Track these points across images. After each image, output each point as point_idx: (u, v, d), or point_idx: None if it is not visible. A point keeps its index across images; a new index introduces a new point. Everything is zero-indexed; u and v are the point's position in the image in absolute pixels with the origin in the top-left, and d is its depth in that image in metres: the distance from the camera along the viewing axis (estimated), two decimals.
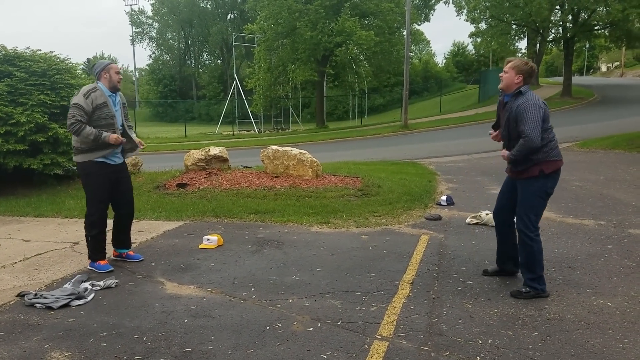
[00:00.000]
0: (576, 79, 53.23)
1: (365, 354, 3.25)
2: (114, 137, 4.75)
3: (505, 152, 4.29)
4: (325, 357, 3.23)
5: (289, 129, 36.88)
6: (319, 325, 3.69)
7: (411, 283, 4.48)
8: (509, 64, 4.26)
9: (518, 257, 4.44)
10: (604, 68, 76.50)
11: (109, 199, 5.01)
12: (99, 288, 4.43)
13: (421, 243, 5.67)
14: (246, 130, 36.53)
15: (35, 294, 4.20)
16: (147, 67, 74.23)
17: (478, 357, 3.20)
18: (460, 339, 3.44)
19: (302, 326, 3.68)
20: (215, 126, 39.98)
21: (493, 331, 3.55)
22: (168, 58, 73.18)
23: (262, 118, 38.86)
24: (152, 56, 73.28)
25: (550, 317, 3.77)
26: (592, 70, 79.12)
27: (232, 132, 33.91)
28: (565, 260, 5.02)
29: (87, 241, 4.98)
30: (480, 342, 3.40)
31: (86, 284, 4.45)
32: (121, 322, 3.79)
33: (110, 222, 5.14)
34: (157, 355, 3.29)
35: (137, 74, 77.90)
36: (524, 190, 4.24)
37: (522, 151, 4.07)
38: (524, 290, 4.18)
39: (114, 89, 4.90)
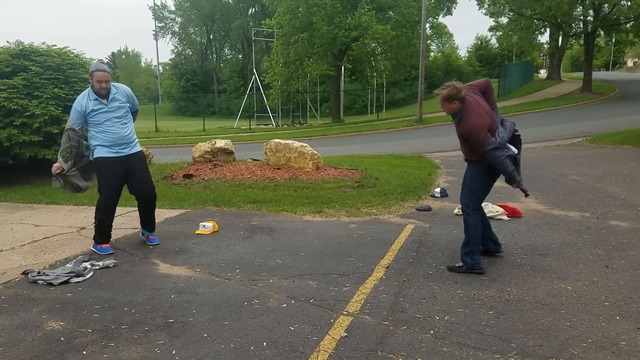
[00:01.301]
0: (601, 74, 52.55)
1: (330, 327, 3.56)
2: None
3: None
4: (293, 329, 3.55)
5: (306, 123, 37.22)
6: (293, 302, 4.01)
7: (387, 267, 4.77)
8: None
9: (494, 237, 4.97)
10: (630, 63, 75.36)
11: (118, 189, 5.40)
12: (98, 267, 4.81)
13: (405, 231, 5.95)
14: (264, 125, 36.98)
15: (39, 272, 4.60)
16: (169, 62, 75.22)
17: (432, 331, 3.49)
18: (420, 316, 3.73)
19: (277, 303, 4.00)
20: (235, 120, 40.53)
21: (452, 309, 3.83)
22: (190, 53, 74.03)
23: (280, 112, 39.28)
24: (175, 51, 74.27)
25: (509, 299, 4.03)
26: (618, 65, 77.91)
27: (249, 127, 34.37)
28: (539, 249, 5.25)
29: (94, 224, 5.39)
30: (438, 318, 3.69)
31: (86, 264, 4.83)
32: (114, 297, 4.16)
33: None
34: (142, 325, 3.65)
35: (160, 68, 79.17)
36: (468, 173, 4.75)
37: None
38: (457, 265, 4.63)
39: (99, 95, 5.25)
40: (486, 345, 3.30)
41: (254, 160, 11.69)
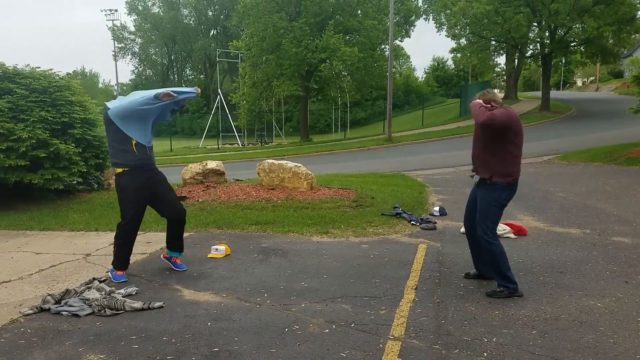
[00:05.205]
0: (553, 93, 54.31)
1: (381, 353, 3.52)
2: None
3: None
4: (344, 355, 3.49)
5: (272, 142, 37.22)
6: (334, 327, 3.96)
7: (415, 288, 4.77)
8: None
9: None
10: (579, 82, 78.28)
11: (139, 217, 5.24)
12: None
13: (420, 251, 5.98)
14: (230, 144, 36.78)
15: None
16: (130, 82, 74.13)
17: (485, 354, 3.49)
18: (467, 338, 3.73)
19: (318, 328, 3.94)
20: (199, 140, 40.18)
21: (496, 330, 3.85)
22: (151, 73, 73.18)
23: (245, 132, 39.19)
24: (135, 71, 73.32)
25: (546, 317, 4.08)
26: (568, 85, 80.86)
27: (217, 146, 34.08)
28: (556, 266, 5.36)
29: (114, 248, 5.21)
30: (486, 340, 3.70)
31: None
32: (148, 326, 4.02)
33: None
34: (187, 355, 3.53)
35: (119, 89, 77.79)
36: (481, 199, 4.68)
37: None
38: (498, 290, 4.59)
39: None
40: None
41: (237, 180, 11.58)
